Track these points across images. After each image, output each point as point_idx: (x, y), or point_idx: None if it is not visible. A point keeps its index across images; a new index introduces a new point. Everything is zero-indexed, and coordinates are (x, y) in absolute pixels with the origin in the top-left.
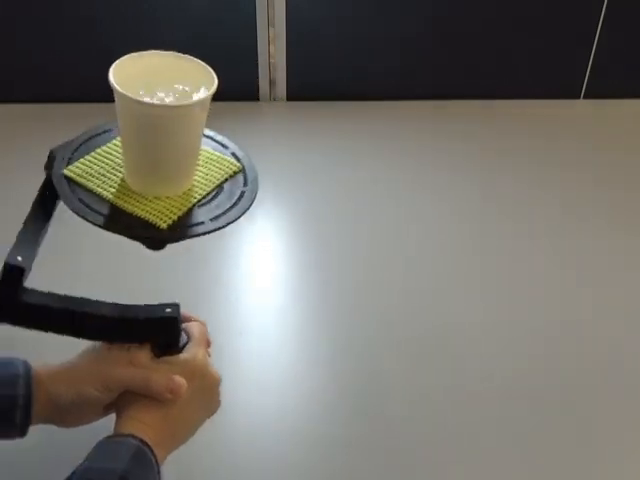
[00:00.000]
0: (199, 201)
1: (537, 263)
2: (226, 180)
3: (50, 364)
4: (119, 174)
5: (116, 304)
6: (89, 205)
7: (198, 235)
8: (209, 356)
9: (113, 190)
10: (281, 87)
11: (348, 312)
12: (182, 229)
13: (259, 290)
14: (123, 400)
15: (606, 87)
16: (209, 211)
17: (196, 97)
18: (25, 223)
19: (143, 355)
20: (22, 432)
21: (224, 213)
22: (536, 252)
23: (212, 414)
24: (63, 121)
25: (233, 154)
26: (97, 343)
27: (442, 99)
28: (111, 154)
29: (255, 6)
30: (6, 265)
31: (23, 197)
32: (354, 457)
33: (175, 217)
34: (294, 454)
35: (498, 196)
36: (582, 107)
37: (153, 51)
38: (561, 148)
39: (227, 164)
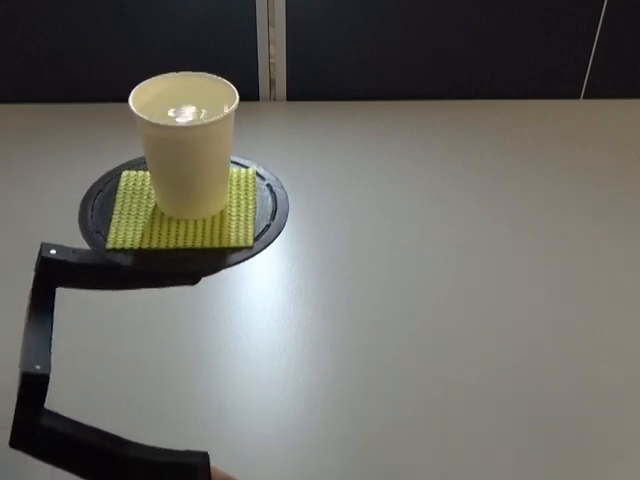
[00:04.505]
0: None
1: (537, 261)
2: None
3: None
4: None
5: (142, 445)
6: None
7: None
8: None
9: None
10: (281, 87)
11: (347, 311)
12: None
13: (257, 289)
14: None
15: (606, 87)
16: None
17: (218, 115)
18: (28, 322)
19: None
20: None
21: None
22: (536, 250)
23: None
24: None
25: (268, 185)
26: None
27: (442, 99)
28: (128, 198)
29: (255, 6)
30: (26, 377)
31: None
32: (355, 459)
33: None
34: (294, 456)
35: (498, 196)
36: (582, 107)
37: (171, 73)
38: (561, 148)
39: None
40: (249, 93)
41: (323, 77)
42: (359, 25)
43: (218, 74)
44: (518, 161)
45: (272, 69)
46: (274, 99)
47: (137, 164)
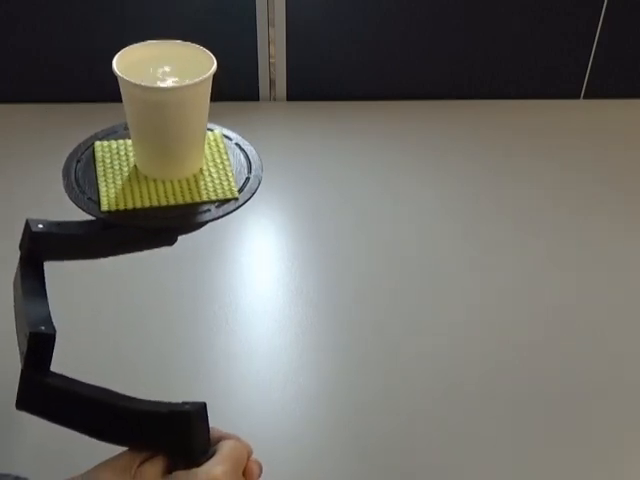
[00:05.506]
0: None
1: (537, 263)
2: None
3: None
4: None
5: (145, 400)
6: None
7: (207, 222)
8: None
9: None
10: (281, 87)
11: (348, 311)
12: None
13: (257, 289)
14: None
15: (606, 87)
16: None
17: (197, 79)
18: (23, 292)
19: (152, 471)
20: None
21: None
22: (536, 251)
23: None
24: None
25: (237, 144)
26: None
27: (442, 99)
28: (107, 162)
29: (255, 6)
30: (32, 337)
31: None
32: (356, 460)
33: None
34: (296, 458)
35: (498, 196)
36: (582, 107)
37: (157, 40)
38: (561, 148)
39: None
40: (249, 93)
41: (323, 77)
42: (359, 25)
43: (217, 73)
44: (518, 161)
45: (272, 69)
46: (274, 99)
47: (107, 134)
